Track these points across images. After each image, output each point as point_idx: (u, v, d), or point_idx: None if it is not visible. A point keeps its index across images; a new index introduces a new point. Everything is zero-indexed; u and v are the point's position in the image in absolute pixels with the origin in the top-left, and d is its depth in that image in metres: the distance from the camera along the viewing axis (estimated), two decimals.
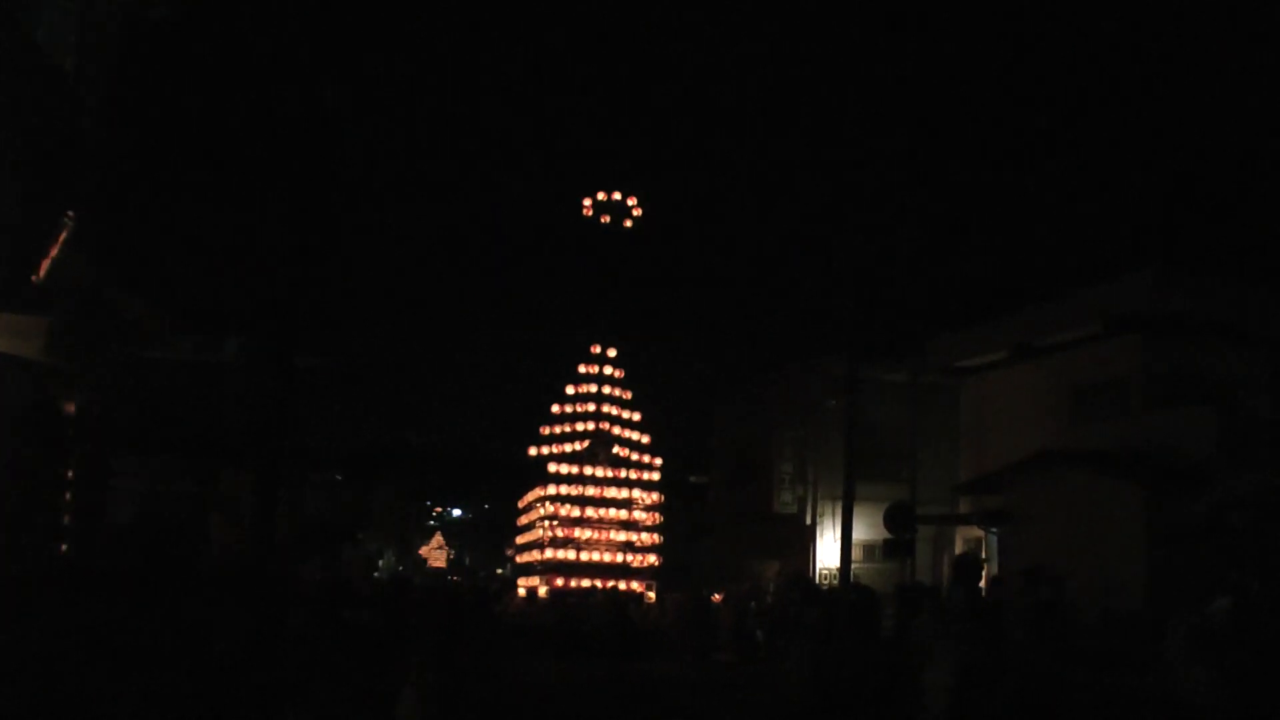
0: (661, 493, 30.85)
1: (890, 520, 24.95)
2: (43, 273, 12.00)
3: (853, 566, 26.95)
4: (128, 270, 15.88)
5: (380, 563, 56.48)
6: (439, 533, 67.21)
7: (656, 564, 30.00)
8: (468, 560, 69.10)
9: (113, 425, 16.70)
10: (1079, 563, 19.53)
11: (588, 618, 23.59)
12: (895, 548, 25.28)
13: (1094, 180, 71.21)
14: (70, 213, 12.00)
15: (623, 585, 27.34)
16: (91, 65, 12.98)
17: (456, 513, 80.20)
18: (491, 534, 67.94)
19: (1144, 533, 20.32)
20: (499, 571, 57.12)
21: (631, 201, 31.28)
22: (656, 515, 30.40)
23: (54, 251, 12.01)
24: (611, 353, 31.22)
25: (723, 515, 37.69)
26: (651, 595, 28.17)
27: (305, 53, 14.07)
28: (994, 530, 25.26)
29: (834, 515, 30.15)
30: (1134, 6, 69.23)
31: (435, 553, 62.46)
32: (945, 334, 28.94)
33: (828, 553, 31.54)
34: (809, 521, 32.82)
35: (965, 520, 27.49)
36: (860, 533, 27.73)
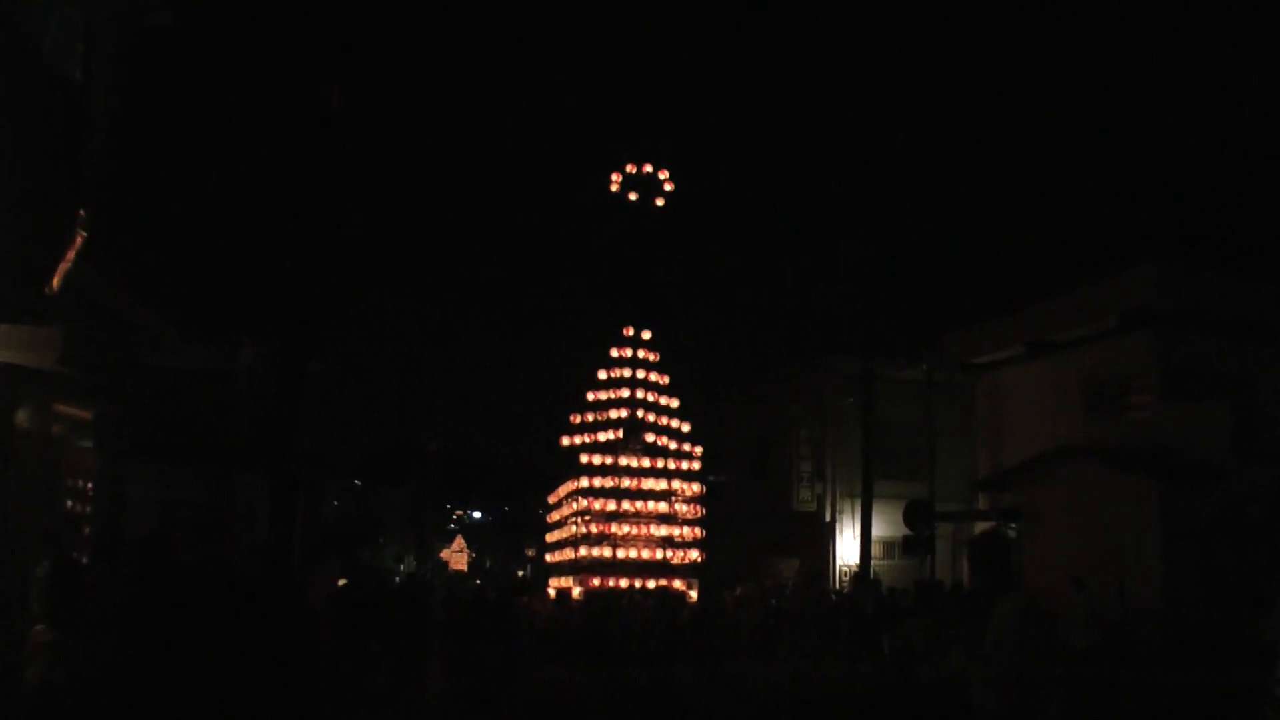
0: (703, 483, 28.84)
1: (909, 517, 24.98)
2: (55, 284, 12.07)
3: (872, 563, 27.01)
4: (138, 280, 15.96)
5: (401, 566, 56.56)
6: (460, 535, 67.21)
7: (699, 560, 28.00)
8: (488, 563, 69.10)
9: (126, 435, 16.79)
10: (1095, 557, 19.53)
11: (631, 620, 22.48)
12: (915, 544, 25.31)
13: (1108, 175, 71.01)
14: (81, 223, 12.07)
15: (665, 582, 25.93)
16: (99, 76, 13.07)
17: (477, 515, 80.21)
18: (511, 535, 67.93)
19: (1159, 527, 20.30)
20: (520, 574, 57.12)
21: (663, 175, 29.53)
22: (698, 508, 28.29)
23: (65, 263, 12.08)
24: (646, 335, 29.32)
25: (740, 513, 37.68)
26: (693, 594, 26.26)
27: (311, 51, 14.13)
28: (1012, 526, 25.26)
29: (853, 512, 30.13)
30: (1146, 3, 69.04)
31: (457, 555, 62.31)
32: (960, 331, 28.94)
33: (847, 550, 31.54)
34: (828, 519, 32.82)
35: (984, 516, 27.48)
36: (879, 529, 27.75)
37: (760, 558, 34.06)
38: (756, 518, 35.62)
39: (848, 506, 31.74)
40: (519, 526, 64.29)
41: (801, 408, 34.28)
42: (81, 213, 12.12)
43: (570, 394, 30.40)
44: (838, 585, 30.73)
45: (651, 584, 25.55)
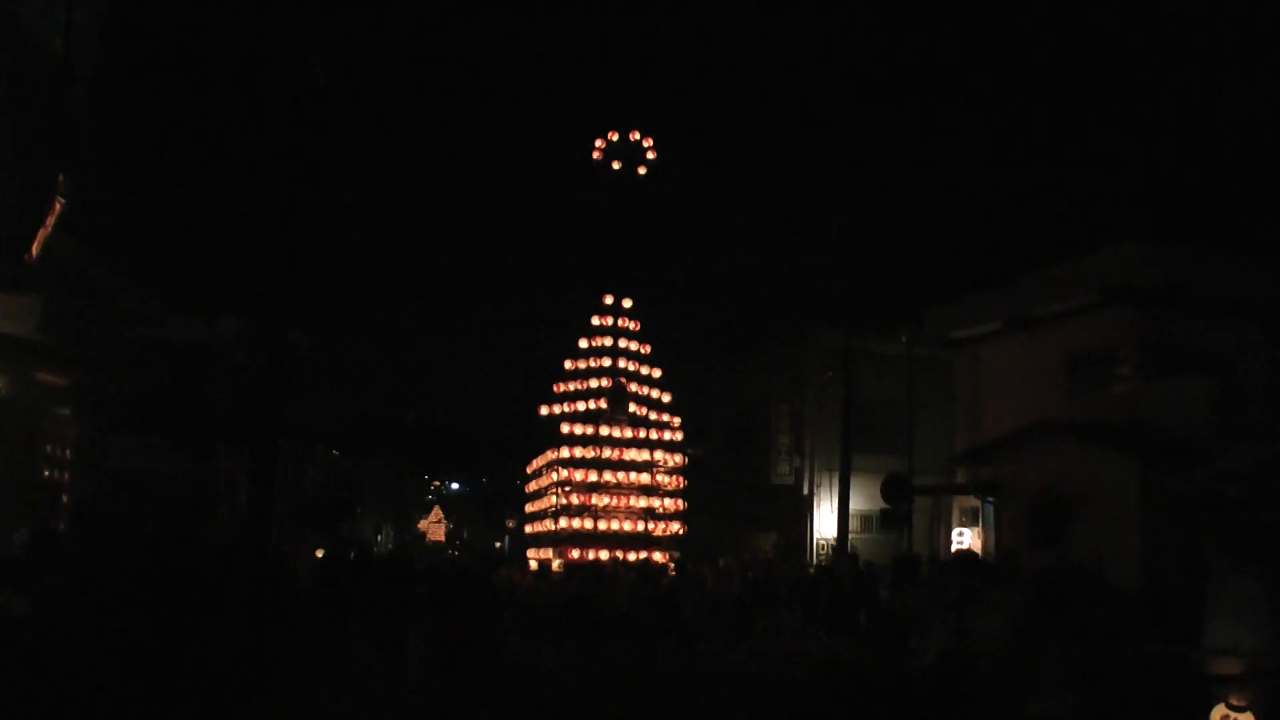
0: (685, 455, 28.40)
1: (887, 491, 25.00)
2: (34, 253, 11.99)
3: (850, 537, 27.05)
4: (120, 251, 15.87)
5: (379, 537, 56.55)
6: (437, 506, 67.28)
7: (681, 533, 27.46)
8: (465, 534, 69.13)
9: (107, 405, 16.71)
10: (1074, 534, 19.59)
11: (616, 593, 22.03)
12: (892, 518, 25.36)
13: (1090, 150, 71.10)
14: (61, 193, 11.98)
15: (646, 555, 25.10)
16: (80, 47, 12.95)
17: (455, 486, 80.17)
18: (489, 507, 67.90)
19: (1138, 504, 20.34)
20: (496, 545, 57.13)
21: (647, 144, 28.97)
22: (680, 479, 27.76)
23: (45, 232, 12.00)
24: (626, 303, 28.77)
25: (718, 486, 37.70)
26: (673, 567, 24.44)
27: (294, 25, 14.00)
28: (990, 500, 25.31)
29: (831, 486, 30.17)
30: None
31: (434, 526, 62.41)
32: (941, 305, 28.92)
33: (825, 523, 31.63)
34: (806, 492, 32.89)
35: (961, 491, 27.53)
36: (857, 503, 27.82)
37: (738, 531, 34.13)
38: (735, 492, 35.68)
39: (826, 480, 31.80)
40: (497, 498, 64.23)
41: (780, 381, 34.30)
42: (61, 181, 12.02)
43: (550, 363, 30.24)
44: (815, 559, 30.81)
45: (633, 556, 25.17)
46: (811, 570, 26.50)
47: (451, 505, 72.26)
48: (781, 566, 26.37)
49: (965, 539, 27.09)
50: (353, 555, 18.75)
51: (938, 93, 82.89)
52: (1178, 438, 20.41)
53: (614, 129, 28.94)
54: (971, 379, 28.51)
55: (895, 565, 22.58)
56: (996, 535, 25.03)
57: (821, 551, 31.45)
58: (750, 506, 34.57)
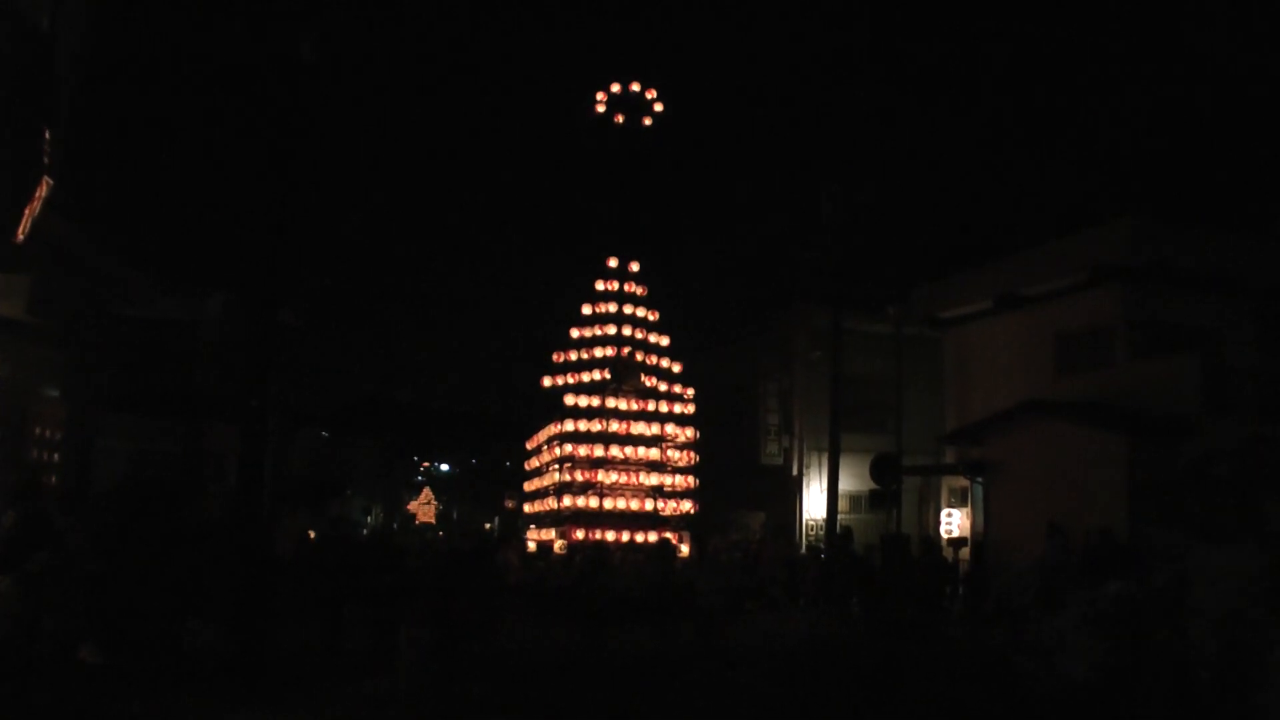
0: (697, 428, 26.76)
1: (876, 471, 25.03)
2: (22, 234, 11.93)
3: (840, 517, 27.04)
4: (108, 229, 15.80)
5: (369, 518, 56.55)
6: (427, 488, 67.34)
7: (692, 511, 26.05)
8: (455, 515, 69.10)
9: (96, 385, 16.67)
10: (1062, 512, 19.63)
11: (624, 576, 20.60)
12: (881, 498, 25.39)
13: (1078, 128, 71.09)
14: (48, 172, 11.92)
15: (654, 536, 23.47)
16: (68, 26, 12.88)
17: (445, 467, 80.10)
18: (479, 487, 67.80)
19: (1126, 483, 20.38)
20: (487, 526, 57.05)
21: (651, 95, 27.33)
22: (691, 454, 26.44)
23: (33, 212, 11.94)
24: (633, 266, 27.19)
25: (706, 466, 37.54)
26: (685, 548, 23.00)
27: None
28: (979, 480, 25.35)
29: (820, 466, 30.10)
30: None
31: (424, 508, 62.60)
32: (929, 284, 28.91)
33: (814, 504, 31.64)
34: (795, 473, 32.88)
35: (950, 470, 27.59)
36: (846, 483, 27.78)
37: (727, 512, 34.07)
38: (723, 471, 35.59)
39: (815, 460, 31.77)
40: (487, 478, 64.18)
41: (769, 360, 34.26)
42: (48, 160, 11.96)
43: (551, 332, 29.04)
44: (805, 539, 30.84)
45: (640, 537, 24.22)
46: (810, 549, 26.52)
47: (441, 486, 72.21)
48: (771, 547, 26.35)
49: (954, 519, 27.18)
50: (356, 533, 18.63)
51: (927, 70, 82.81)
52: (1166, 416, 20.45)
53: (616, 82, 27.68)
54: (960, 358, 28.55)
55: (884, 545, 22.73)
56: (985, 515, 25.12)
57: (811, 532, 31.45)
58: (739, 486, 34.47)
